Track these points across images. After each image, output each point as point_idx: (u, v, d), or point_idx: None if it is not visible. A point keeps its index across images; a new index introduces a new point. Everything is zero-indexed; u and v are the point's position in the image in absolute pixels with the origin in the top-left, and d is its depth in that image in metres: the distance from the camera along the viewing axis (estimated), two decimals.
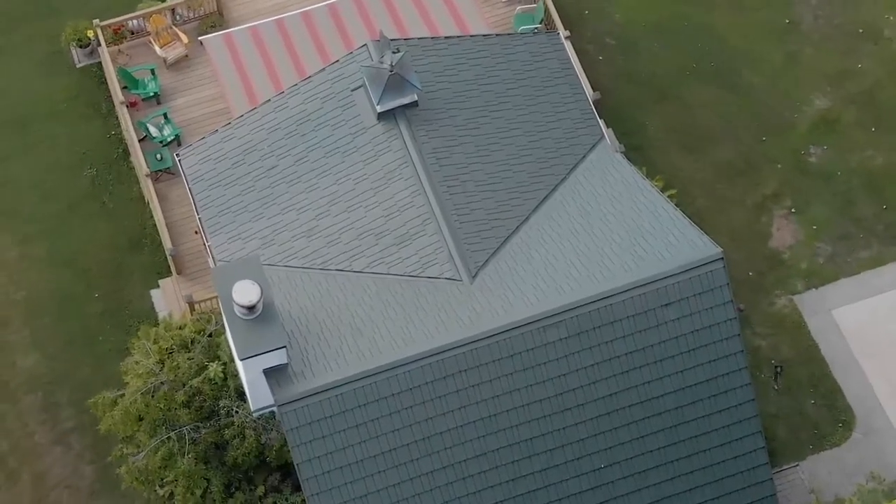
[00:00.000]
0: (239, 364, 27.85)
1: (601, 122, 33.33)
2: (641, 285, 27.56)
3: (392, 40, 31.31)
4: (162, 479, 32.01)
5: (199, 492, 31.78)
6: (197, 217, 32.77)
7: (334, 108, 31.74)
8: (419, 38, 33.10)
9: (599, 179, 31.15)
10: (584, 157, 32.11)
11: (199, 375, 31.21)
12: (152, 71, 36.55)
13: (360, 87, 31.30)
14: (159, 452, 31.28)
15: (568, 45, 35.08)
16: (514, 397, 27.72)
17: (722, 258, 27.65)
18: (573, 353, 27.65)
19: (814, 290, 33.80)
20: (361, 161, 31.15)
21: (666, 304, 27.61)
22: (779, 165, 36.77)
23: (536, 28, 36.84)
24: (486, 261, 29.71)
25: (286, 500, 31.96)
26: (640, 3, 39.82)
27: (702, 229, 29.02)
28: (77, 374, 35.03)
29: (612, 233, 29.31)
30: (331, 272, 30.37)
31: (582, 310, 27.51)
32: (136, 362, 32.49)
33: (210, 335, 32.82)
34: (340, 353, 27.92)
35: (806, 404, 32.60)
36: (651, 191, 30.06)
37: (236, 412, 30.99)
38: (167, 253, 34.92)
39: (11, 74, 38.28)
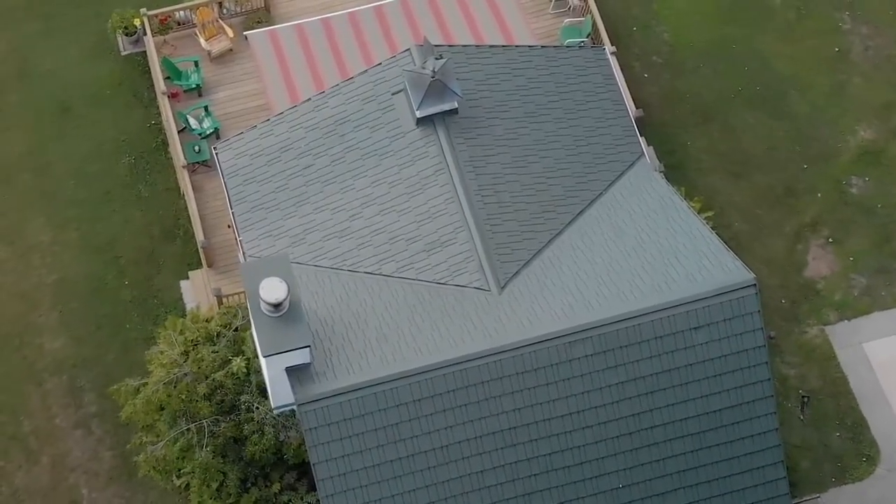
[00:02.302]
0: (262, 361, 27.77)
1: (642, 140, 33.00)
2: (671, 307, 27.20)
3: (436, 46, 31.20)
4: (179, 470, 32.09)
5: (214, 485, 31.76)
6: (230, 211, 32.79)
7: (374, 110, 31.65)
8: (463, 46, 32.96)
9: (636, 197, 30.82)
10: (622, 173, 31.79)
11: (223, 369, 31.20)
12: (196, 63, 36.71)
13: (400, 91, 31.22)
14: (178, 443, 31.35)
15: (613, 61, 34.85)
16: (535, 411, 27.43)
17: (755, 284, 27.24)
18: (598, 370, 27.32)
19: (846, 321, 33.46)
20: (397, 165, 31.04)
21: (695, 328, 27.24)
22: (819, 194, 36.34)
23: (583, 42, 36.60)
24: (517, 272, 29.45)
25: (301, 498, 31.86)
26: (690, 23, 39.52)
27: (738, 254, 28.73)
28: (102, 360, 35.22)
29: (646, 252, 28.95)
30: (359, 274, 30.26)
31: (609, 328, 27.18)
32: (161, 352, 32.54)
33: (236, 329, 32.82)
34: (364, 356, 27.75)
35: (831, 437, 32.28)
36: (688, 212, 29.67)
37: (256, 408, 30.95)
38: (199, 245, 35.03)
39: (57, 58, 38.62)
